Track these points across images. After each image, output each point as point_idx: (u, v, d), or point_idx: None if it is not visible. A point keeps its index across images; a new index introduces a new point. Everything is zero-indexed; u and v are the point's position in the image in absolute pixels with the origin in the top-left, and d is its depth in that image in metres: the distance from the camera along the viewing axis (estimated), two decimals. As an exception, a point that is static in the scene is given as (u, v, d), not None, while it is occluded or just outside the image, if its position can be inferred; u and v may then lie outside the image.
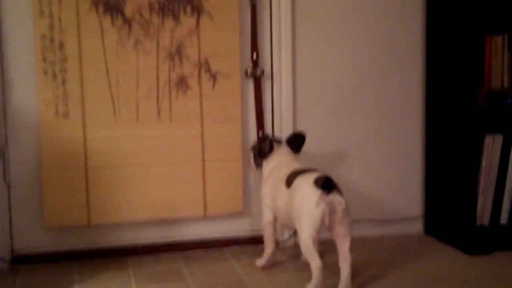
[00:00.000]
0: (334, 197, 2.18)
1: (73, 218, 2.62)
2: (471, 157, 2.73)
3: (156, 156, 2.68)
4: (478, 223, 2.77)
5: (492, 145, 2.79)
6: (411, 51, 2.98)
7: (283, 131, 2.83)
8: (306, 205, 2.18)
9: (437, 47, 2.93)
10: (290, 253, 2.73)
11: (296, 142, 2.60)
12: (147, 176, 2.68)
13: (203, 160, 2.74)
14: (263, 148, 2.57)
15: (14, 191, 2.61)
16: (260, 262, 2.57)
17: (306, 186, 2.21)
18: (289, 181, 2.35)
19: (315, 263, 2.19)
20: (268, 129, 2.87)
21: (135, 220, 2.71)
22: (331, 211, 2.18)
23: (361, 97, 2.94)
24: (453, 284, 2.35)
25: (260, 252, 2.58)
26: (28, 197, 2.61)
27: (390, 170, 3.02)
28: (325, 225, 2.19)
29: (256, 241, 2.81)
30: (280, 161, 2.53)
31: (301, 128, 2.86)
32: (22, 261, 2.62)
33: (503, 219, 2.82)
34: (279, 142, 2.59)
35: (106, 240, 2.72)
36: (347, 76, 2.92)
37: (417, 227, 3.08)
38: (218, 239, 2.86)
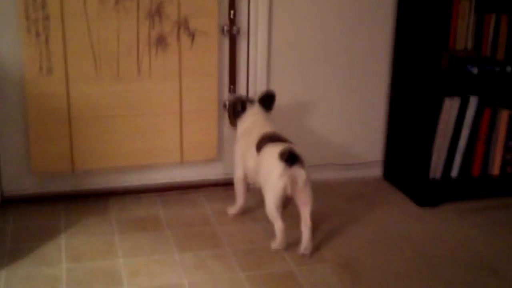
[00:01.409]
0: (296, 169, 2.41)
1: (58, 165, 2.82)
2: (429, 116, 2.95)
3: (136, 108, 2.85)
4: (430, 176, 3.05)
5: (450, 106, 3.00)
6: (381, 10, 3.10)
7: (258, 86, 3.01)
8: (271, 176, 2.42)
9: (407, 7, 3.04)
10: (259, 197, 2.97)
11: (267, 100, 2.79)
12: (127, 127, 2.87)
13: (181, 112, 2.92)
14: (236, 109, 2.75)
15: (2, 141, 2.78)
16: (232, 211, 2.84)
17: (271, 158, 2.44)
18: (259, 147, 2.56)
19: (278, 225, 2.47)
20: (243, 84, 3.03)
21: (116, 166, 2.93)
22: (294, 182, 2.42)
23: (332, 54, 3.10)
24: (397, 241, 2.65)
25: (231, 196, 2.83)
26: (16, 146, 2.79)
27: (354, 120, 3.25)
28: (288, 194, 2.44)
29: (227, 184, 3.07)
30: (253, 121, 2.72)
31: (274, 82, 3.04)
32: (11, 202, 2.84)
33: (454, 173, 3.10)
34: (251, 101, 2.78)
35: (89, 183, 2.95)
36: (319, 33, 3.05)
37: (377, 172, 3.35)
38: (194, 182, 3.10)
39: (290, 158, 2.40)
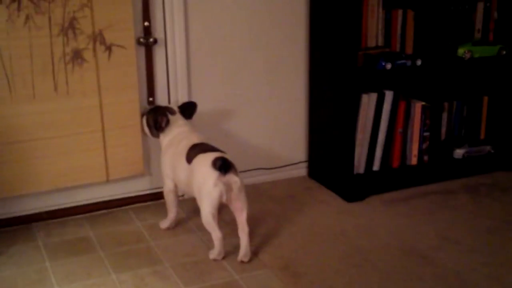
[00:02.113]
0: (230, 177, 2.41)
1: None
2: (349, 112, 3.04)
3: (55, 129, 2.74)
4: (354, 171, 3.15)
5: (368, 102, 3.11)
6: (294, 12, 3.16)
7: (179, 95, 2.99)
8: (205, 185, 2.41)
9: (319, 9, 3.12)
10: (190, 207, 2.95)
11: (188, 110, 2.79)
12: (47, 149, 2.75)
13: (103, 129, 2.84)
14: (160, 123, 2.72)
15: None
16: (164, 224, 2.80)
17: (204, 168, 2.42)
18: (189, 158, 2.54)
19: (216, 234, 2.46)
20: (164, 95, 2.99)
21: (39, 191, 2.81)
22: (228, 189, 2.42)
23: (250, 59, 3.13)
24: (331, 237, 2.72)
25: (162, 209, 2.81)
26: None
27: (277, 124, 3.30)
28: (223, 202, 2.44)
29: (156, 197, 3.02)
30: (178, 132, 2.70)
31: (195, 90, 3.03)
32: None
33: (376, 166, 3.21)
34: (173, 113, 2.74)
35: (11, 211, 2.81)
36: (237, 40, 3.07)
37: (302, 172, 3.41)
38: (122, 199, 3.03)
39: (224, 166, 2.39)
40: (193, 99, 2.98)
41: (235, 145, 3.17)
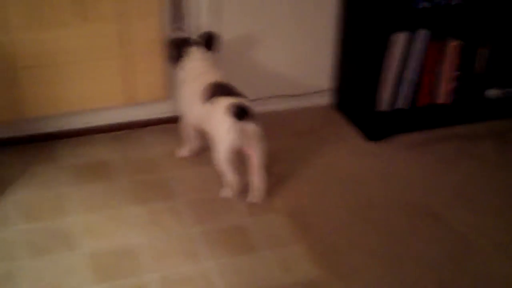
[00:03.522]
0: (247, 124, 2.39)
1: (4, 114, 2.74)
2: (377, 51, 2.92)
3: (78, 54, 2.73)
4: (378, 109, 3.08)
5: (399, 41, 2.97)
6: None
7: (205, 22, 2.91)
8: (219, 130, 2.41)
9: None
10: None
11: (210, 42, 2.71)
12: (72, 73, 2.76)
13: (125, 55, 2.82)
14: (178, 50, 2.66)
15: None
16: (180, 153, 2.84)
17: (221, 112, 2.41)
18: (207, 98, 2.52)
19: (229, 177, 2.50)
20: (191, 21, 2.91)
21: (62, 112, 2.86)
22: (245, 136, 2.41)
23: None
24: (346, 184, 2.72)
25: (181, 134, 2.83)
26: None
27: (303, 51, 3.18)
28: (239, 148, 2.45)
29: (177, 120, 3.05)
30: (196, 66, 2.65)
31: (223, 17, 2.93)
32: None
33: (401, 104, 3.13)
34: (193, 43, 2.68)
35: (36, 128, 2.88)
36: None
37: (326, 101, 3.36)
38: (143, 121, 3.07)
39: (240, 112, 2.37)
40: (221, 27, 2.89)
41: (259, 71, 3.12)
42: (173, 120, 3.06)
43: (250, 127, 2.41)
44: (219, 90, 2.51)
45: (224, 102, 2.42)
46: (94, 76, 2.81)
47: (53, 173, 2.69)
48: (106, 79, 2.83)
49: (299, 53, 3.19)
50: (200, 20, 2.90)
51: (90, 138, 2.95)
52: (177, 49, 2.67)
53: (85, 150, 2.87)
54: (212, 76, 2.59)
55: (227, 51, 2.90)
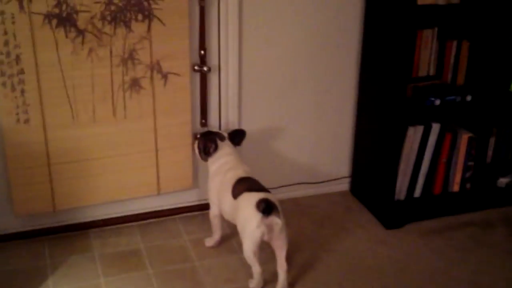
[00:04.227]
0: (273, 219, 2.56)
1: (40, 206, 2.91)
2: (393, 143, 3.11)
3: (113, 149, 2.94)
4: (395, 198, 3.24)
5: (414, 134, 3.16)
6: (347, 39, 3.21)
7: (229, 117, 3.12)
8: (248, 225, 2.57)
9: (373, 36, 3.14)
10: (234, 227, 3.11)
11: (237, 137, 2.94)
12: (105, 167, 2.96)
13: (156, 149, 3.02)
14: (208, 148, 2.87)
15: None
16: (209, 243, 3.00)
17: (249, 208, 2.58)
18: (235, 193, 2.70)
19: (256, 269, 2.64)
20: (216, 117, 3.13)
21: (95, 203, 3.04)
22: (270, 229, 2.57)
23: (300, 82, 3.21)
24: (365, 272, 2.85)
25: (207, 219, 2.99)
26: (-2, 192, 2.87)
27: (322, 141, 3.41)
28: (265, 240, 2.60)
29: (203, 208, 3.22)
30: (225, 161, 2.85)
31: (245, 112, 3.17)
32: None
33: (417, 193, 3.29)
34: (222, 139, 2.88)
35: (70, 219, 3.05)
36: (288, 64, 3.16)
37: (344, 187, 3.54)
38: (170, 210, 3.24)
39: (267, 208, 2.54)
40: (243, 120, 3.13)
41: (280, 161, 3.32)
42: (199, 208, 3.24)
43: (276, 222, 2.57)
44: (246, 185, 2.69)
45: (252, 198, 2.59)
46: (128, 169, 3.00)
47: (88, 264, 2.85)
48: (140, 171, 3.03)
49: (319, 144, 3.41)
50: (224, 114, 3.12)
51: (120, 227, 3.12)
52: (209, 144, 2.87)
53: (118, 238, 3.04)
54: (239, 171, 2.78)
55: (250, 141, 3.11)
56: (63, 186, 2.91)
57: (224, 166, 2.84)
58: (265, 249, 2.68)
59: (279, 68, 3.15)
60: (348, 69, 3.27)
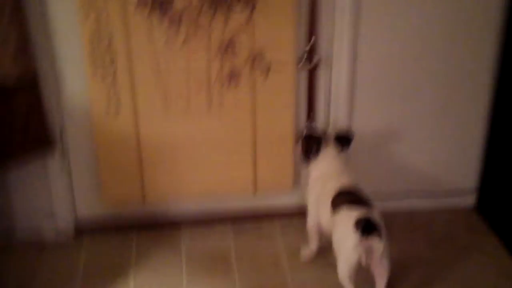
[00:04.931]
0: (373, 240, 2.22)
1: (129, 197, 2.79)
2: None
3: (206, 143, 2.73)
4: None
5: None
6: (485, 41, 2.75)
7: (339, 117, 2.80)
8: (344, 246, 2.26)
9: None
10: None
11: (344, 139, 2.61)
12: (197, 161, 2.76)
13: (254, 146, 2.78)
14: (310, 147, 2.58)
15: (76, 176, 2.79)
16: (304, 254, 2.71)
17: (346, 226, 2.25)
18: (334, 206, 2.38)
19: (350, 292, 2.32)
20: (323, 116, 2.83)
21: (186, 197, 2.87)
22: (369, 253, 2.24)
23: (422, 82, 2.81)
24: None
25: (305, 224, 2.69)
26: (88, 181, 2.79)
27: (445, 149, 2.98)
28: (363, 264, 2.27)
29: (302, 211, 2.92)
30: (328, 168, 2.55)
31: (357, 112, 2.81)
32: (84, 232, 2.87)
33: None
34: (327, 139, 2.58)
35: (161, 212, 2.91)
36: (409, 60, 2.75)
37: (469, 201, 3.09)
38: (268, 211, 2.99)
39: (367, 228, 2.20)
40: (354, 120, 2.79)
41: (394, 168, 2.96)
42: (298, 213, 2.96)
43: (377, 244, 2.23)
44: (346, 198, 2.36)
45: (351, 214, 2.26)
46: (221, 165, 2.79)
47: (173, 259, 2.70)
48: (233, 169, 2.81)
49: (441, 148, 2.97)
50: (333, 112, 2.79)
51: (212, 225, 2.93)
52: (312, 146, 2.59)
53: (208, 236, 2.86)
54: (343, 179, 2.47)
55: (360, 144, 2.77)
56: (154, 177, 2.77)
57: (326, 173, 2.54)
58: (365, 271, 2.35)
59: (400, 62, 2.74)
60: (483, 66, 2.80)
